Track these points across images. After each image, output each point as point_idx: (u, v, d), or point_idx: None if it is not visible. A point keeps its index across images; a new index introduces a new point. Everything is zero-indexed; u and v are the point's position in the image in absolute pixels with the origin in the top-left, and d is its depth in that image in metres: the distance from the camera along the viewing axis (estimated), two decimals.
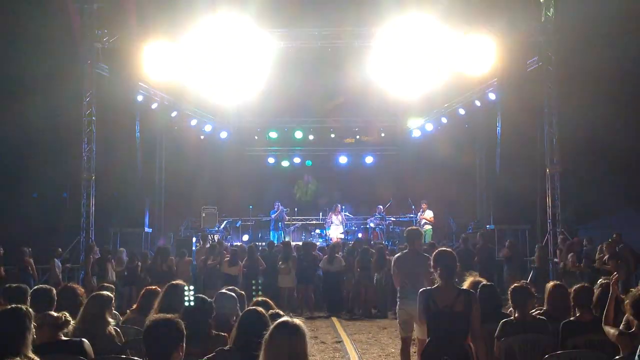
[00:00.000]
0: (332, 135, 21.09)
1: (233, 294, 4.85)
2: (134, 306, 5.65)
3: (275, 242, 14.67)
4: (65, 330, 4.05)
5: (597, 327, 4.33)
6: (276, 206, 17.47)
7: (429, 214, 16.54)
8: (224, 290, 4.95)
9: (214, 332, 4.25)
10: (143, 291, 5.56)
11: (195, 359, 3.50)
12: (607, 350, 4.21)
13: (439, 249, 4.47)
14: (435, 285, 4.25)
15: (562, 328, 4.61)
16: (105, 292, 4.87)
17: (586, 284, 5.09)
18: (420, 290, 4.28)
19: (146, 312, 5.01)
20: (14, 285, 5.49)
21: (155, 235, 16.17)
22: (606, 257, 10.65)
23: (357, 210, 18.95)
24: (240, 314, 4.86)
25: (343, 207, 17.77)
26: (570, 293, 4.94)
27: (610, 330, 4.06)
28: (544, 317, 4.81)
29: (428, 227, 16.40)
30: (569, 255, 11.64)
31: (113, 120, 14.69)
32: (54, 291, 5.00)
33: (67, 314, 4.09)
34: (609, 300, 4.31)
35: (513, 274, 11.34)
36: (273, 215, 17.37)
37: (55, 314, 4.04)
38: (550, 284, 5.27)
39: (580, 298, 4.76)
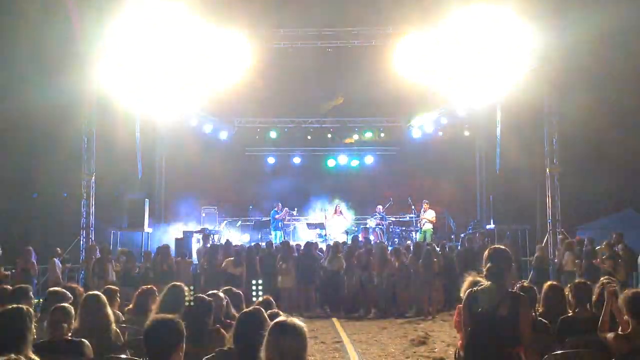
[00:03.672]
0: (332, 136, 21.09)
1: (221, 294, 4.85)
2: (130, 306, 5.64)
3: (275, 242, 14.65)
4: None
5: (596, 325, 4.32)
6: (276, 206, 17.37)
7: (430, 214, 16.50)
8: (214, 291, 4.95)
9: (213, 331, 4.26)
10: (139, 291, 5.55)
11: (195, 359, 3.51)
12: (606, 350, 4.21)
13: (492, 247, 4.00)
14: (482, 286, 3.80)
15: (560, 324, 4.61)
16: (99, 292, 4.87)
17: (585, 281, 5.10)
18: (467, 291, 3.84)
19: (143, 312, 5.01)
20: (16, 285, 5.51)
21: (155, 235, 16.17)
22: (605, 256, 10.67)
23: (357, 210, 18.95)
24: (236, 313, 4.90)
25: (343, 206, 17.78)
26: (566, 293, 4.96)
27: (607, 335, 4.06)
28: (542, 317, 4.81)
29: (429, 227, 16.39)
30: (565, 254, 11.65)
31: (113, 121, 14.69)
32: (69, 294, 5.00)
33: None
34: (604, 310, 4.22)
35: (512, 274, 11.30)
36: (277, 216, 17.27)
37: (67, 307, 4.09)
38: (546, 284, 5.27)
39: (579, 294, 4.77)
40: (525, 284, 5.08)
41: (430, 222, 16.41)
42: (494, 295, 3.64)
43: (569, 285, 5.02)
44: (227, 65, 13.61)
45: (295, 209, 18.89)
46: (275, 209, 17.31)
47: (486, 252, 3.90)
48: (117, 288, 6.06)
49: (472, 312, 3.69)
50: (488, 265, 3.76)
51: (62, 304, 4.24)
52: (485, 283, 3.75)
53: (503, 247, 3.98)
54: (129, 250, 12.76)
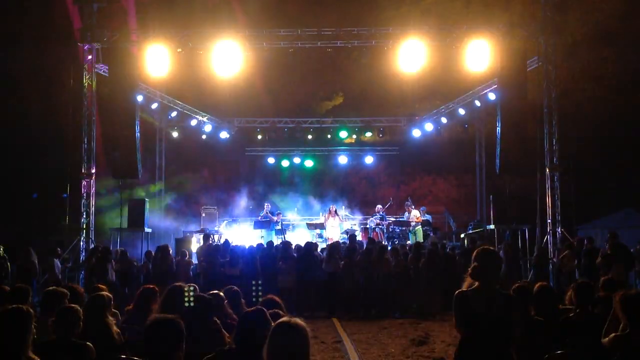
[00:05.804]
0: (332, 136, 21.09)
1: (221, 294, 4.85)
2: (131, 305, 5.64)
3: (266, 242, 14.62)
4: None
5: (596, 325, 4.32)
6: (266, 207, 17.35)
7: (415, 214, 16.42)
8: (214, 291, 4.95)
9: (213, 331, 4.26)
10: (140, 290, 5.54)
11: (195, 359, 3.51)
12: (606, 350, 4.21)
13: (481, 247, 3.98)
14: (473, 287, 3.75)
15: (561, 325, 4.61)
16: (103, 293, 4.87)
17: (587, 281, 5.09)
18: (456, 292, 3.79)
19: (143, 311, 5.01)
20: (16, 285, 5.50)
21: (155, 235, 16.18)
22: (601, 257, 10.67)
23: (357, 211, 18.96)
24: (233, 312, 4.88)
25: (343, 206, 17.73)
26: (560, 293, 4.94)
27: (606, 338, 4.05)
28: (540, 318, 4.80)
29: (418, 227, 16.29)
30: (564, 254, 11.65)
31: (113, 120, 14.71)
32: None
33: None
34: (612, 314, 4.16)
35: (508, 275, 11.27)
36: (259, 217, 17.28)
37: (78, 309, 4.10)
38: (536, 285, 5.23)
39: (580, 294, 4.76)
40: (523, 284, 5.06)
41: (418, 221, 16.30)
42: (486, 296, 3.64)
43: (571, 286, 5.00)
44: (227, 65, 13.63)
45: (296, 209, 18.90)
46: (264, 209, 17.30)
47: (475, 254, 3.86)
48: (104, 287, 6.01)
49: (464, 313, 3.67)
50: (478, 266, 3.74)
51: (72, 305, 4.21)
52: (476, 284, 3.73)
53: (491, 248, 3.97)
54: (124, 250, 12.73)
